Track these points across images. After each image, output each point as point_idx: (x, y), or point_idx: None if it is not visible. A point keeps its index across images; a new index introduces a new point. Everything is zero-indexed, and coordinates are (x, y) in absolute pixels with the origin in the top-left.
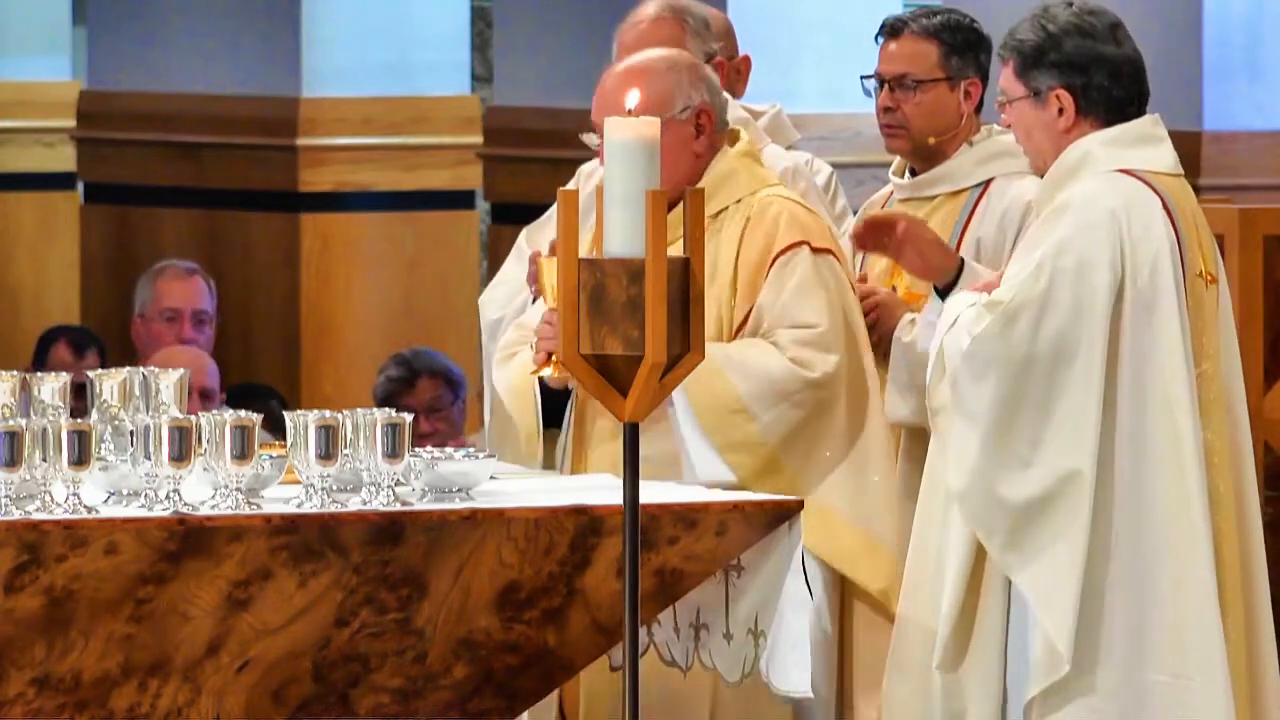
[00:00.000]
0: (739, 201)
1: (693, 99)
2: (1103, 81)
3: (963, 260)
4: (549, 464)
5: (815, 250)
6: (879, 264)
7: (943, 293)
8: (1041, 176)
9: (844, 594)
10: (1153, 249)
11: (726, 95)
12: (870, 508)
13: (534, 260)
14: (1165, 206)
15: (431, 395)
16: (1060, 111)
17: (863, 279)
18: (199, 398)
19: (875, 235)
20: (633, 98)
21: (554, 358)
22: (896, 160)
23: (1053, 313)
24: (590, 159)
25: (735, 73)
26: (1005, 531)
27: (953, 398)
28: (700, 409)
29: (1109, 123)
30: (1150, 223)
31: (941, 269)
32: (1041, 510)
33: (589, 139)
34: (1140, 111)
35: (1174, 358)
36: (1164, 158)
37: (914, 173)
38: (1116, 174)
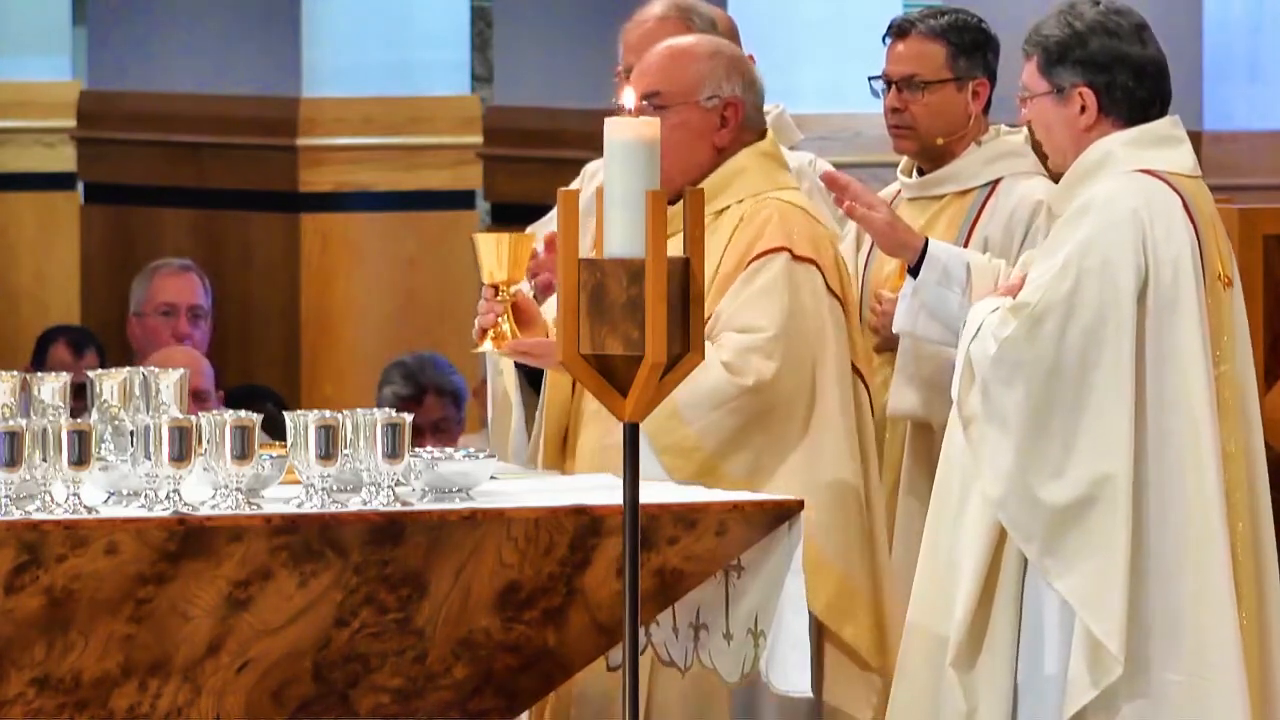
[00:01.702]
0: (741, 201)
1: (723, 90)
2: (1126, 81)
3: (927, 240)
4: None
5: (795, 258)
6: (887, 265)
7: (913, 270)
8: (1059, 174)
9: None
10: (1174, 249)
11: None
12: (815, 522)
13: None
14: (1186, 207)
15: (439, 415)
16: (1082, 109)
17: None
18: (192, 399)
19: (834, 190)
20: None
21: (490, 333)
22: (904, 159)
23: (1079, 314)
24: (593, 158)
25: None
26: (1043, 537)
27: (983, 404)
28: None
29: (1130, 123)
30: (1172, 223)
31: (905, 247)
32: (1078, 515)
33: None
34: (1162, 113)
35: (1194, 359)
36: (1184, 159)
37: (921, 172)
38: (1138, 174)
